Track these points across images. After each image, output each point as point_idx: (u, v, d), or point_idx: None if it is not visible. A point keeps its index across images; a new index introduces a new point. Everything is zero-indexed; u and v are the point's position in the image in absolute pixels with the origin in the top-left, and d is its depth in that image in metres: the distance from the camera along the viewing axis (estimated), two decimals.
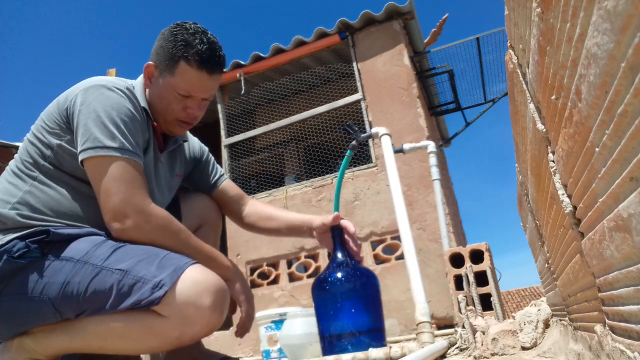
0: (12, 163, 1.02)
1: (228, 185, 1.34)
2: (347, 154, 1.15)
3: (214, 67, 1.04)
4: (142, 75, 1.11)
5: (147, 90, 1.09)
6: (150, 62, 1.06)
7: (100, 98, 0.96)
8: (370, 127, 3.35)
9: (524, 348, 0.97)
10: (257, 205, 1.33)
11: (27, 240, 0.88)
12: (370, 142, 3.34)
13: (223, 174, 1.35)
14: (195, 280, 0.87)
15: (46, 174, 0.98)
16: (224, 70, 1.08)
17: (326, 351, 1.08)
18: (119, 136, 0.94)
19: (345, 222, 1.19)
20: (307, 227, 1.23)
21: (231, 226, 1.25)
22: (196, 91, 1.05)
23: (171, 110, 1.07)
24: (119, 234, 0.93)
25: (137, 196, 0.93)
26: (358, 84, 3.55)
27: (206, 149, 1.36)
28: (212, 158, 1.36)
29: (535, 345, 0.96)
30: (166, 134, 1.15)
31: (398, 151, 2.10)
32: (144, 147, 1.05)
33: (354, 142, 1.15)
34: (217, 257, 1.04)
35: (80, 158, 0.93)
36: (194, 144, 1.32)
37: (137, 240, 0.94)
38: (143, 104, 1.06)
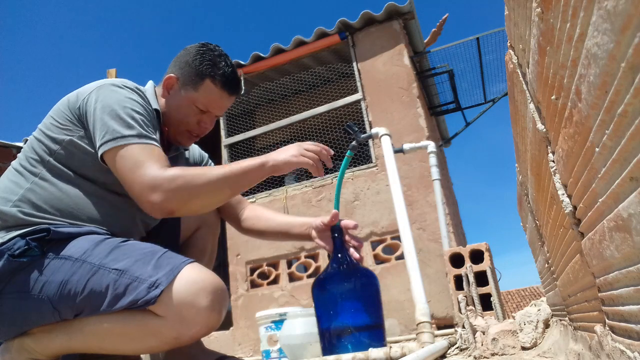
0: (14, 162, 1.03)
1: None
2: (347, 154, 1.15)
3: (235, 88, 1.13)
4: (150, 83, 1.16)
5: (164, 100, 1.13)
6: (172, 75, 1.11)
7: (113, 95, 0.98)
8: (370, 127, 3.35)
9: (524, 348, 0.97)
10: (256, 209, 1.34)
11: (27, 238, 0.88)
12: (370, 142, 3.34)
13: None
14: (191, 279, 0.87)
15: (50, 171, 0.98)
16: None
17: (326, 351, 1.08)
18: (135, 125, 0.96)
19: (345, 222, 1.19)
20: (306, 227, 1.23)
21: (231, 226, 1.26)
22: (214, 108, 1.12)
23: (186, 123, 1.12)
24: (159, 207, 0.91)
25: (163, 169, 0.93)
26: (358, 84, 3.55)
27: (206, 155, 1.39)
28: (212, 164, 1.39)
29: (535, 345, 0.96)
30: (169, 140, 1.17)
31: (398, 151, 2.10)
32: None
33: (354, 143, 1.15)
34: (258, 161, 1.01)
35: (100, 152, 0.93)
36: (194, 151, 1.35)
37: (179, 209, 0.93)
38: (154, 106, 1.08)
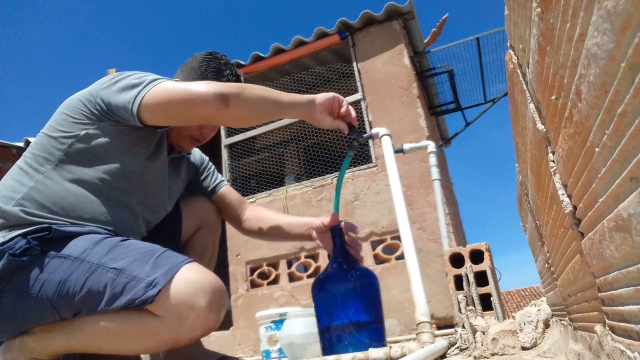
0: (19, 161, 1.02)
1: (227, 190, 1.37)
2: (347, 154, 1.15)
3: None
4: None
5: None
6: (178, 79, 1.13)
7: (127, 75, 1.01)
8: (371, 127, 3.35)
9: (524, 348, 0.97)
10: (257, 210, 1.35)
11: (28, 237, 0.88)
12: (370, 142, 3.34)
13: (222, 180, 1.39)
14: (189, 279, 0.87)
15: (57, 169, 0.98)
16: None
17: (326, 351, 1.08)
18: (152, 74, 1.01)
19: (346, 224, 1.20)
20: (307, 227, 1.23)
21: (231, 226, 1.28)
22: None
23: (188, 127, 1.13)
24: (225, 110, 0.94)
25: (210, 83, 0.96)
26: (358, 84, 3.55)
27: (206, 157, 1.40)
28: (213, 166, 1.41)
29: (535, 345, 0.96)
30: (171, 145, 1.18)
31: (398, 151, 2.10)
32: (157, 149, 1.08)
33: (354, 143, 1.15)
34: (306, 104, 1.05)
35: (137, 102, 0.94)
36: (194, 154, 1.36)
37: (241, 113, 0.97)
38: None
